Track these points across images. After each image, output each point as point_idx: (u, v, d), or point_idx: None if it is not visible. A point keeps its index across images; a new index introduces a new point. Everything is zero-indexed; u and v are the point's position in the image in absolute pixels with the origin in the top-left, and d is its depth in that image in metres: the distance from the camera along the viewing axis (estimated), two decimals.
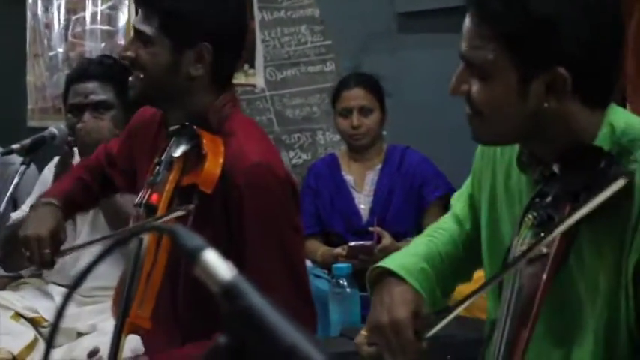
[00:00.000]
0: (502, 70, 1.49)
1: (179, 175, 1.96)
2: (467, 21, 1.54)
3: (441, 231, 1.83)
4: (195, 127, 1.98)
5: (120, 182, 2.32)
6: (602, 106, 1.54)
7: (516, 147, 1.63)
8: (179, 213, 1.89)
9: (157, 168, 2.00)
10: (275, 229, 2.02)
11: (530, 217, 1.51)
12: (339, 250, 3.41)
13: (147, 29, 2.02)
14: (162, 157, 2.00)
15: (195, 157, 1.96)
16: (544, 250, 1.47)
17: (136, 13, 2.13)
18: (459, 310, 1.52)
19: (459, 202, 1.86)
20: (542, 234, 1.45)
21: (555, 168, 1.52)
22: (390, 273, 1.70)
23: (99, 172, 2.35)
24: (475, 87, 1.53)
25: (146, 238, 1.89)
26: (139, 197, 2.00)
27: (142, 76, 2.04)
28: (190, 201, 1.93)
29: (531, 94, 1.49)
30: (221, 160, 1.94)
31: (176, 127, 2.02)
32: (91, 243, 2.45)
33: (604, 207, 1.43)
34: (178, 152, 1.96)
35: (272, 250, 2.01)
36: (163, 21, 2.01)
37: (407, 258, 1.75)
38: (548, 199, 1.50)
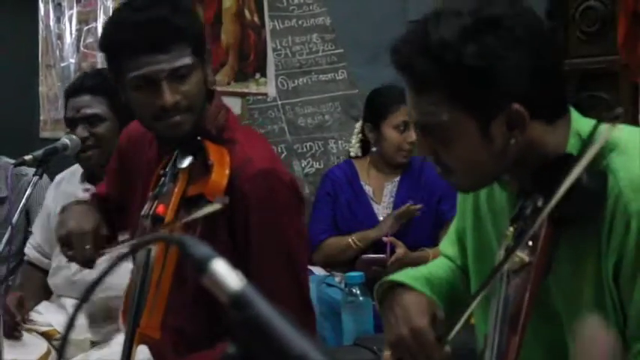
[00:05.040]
0: (461, 125, 1.50)
1: (185, 186, 1.96)
2: (409, 93, 1.54)
3: (437, 263, 1.87)
4: (199, 138, 1.99)
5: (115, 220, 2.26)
6: (562, 116, 1.55)
7: None
8: (217, 206, 1.78)
9: (162, 179, 2.01)
10: (281, 235, 2.03)
11: (510, 229, 1.52)
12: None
13: (186, 61, 1.98)
14: (167, 169, 2.00)
15: (200, 168, 1.96)
16: (527, 259, 1.47)
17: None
18: (471, 310, 1.52)
19: (446, 243, 1.88)
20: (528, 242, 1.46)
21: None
22: (398, 285, 1.70)
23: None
24: (440, 150, 1.54)
25: (154, 247, 1.89)
26: (144, 209, 2.00)
27: (188, 112, 1.98)
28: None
29: (495, 136, 1.50)
30: (227, 171, 1.95)
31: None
32: (123, 242, 2.35)
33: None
34: (185, 164, 1.96)
35: (278, 256, 2.02)
36: (195, 47, 2.00)
37: (411, 272, 1.77)
38: (528, 211, 1.50)
